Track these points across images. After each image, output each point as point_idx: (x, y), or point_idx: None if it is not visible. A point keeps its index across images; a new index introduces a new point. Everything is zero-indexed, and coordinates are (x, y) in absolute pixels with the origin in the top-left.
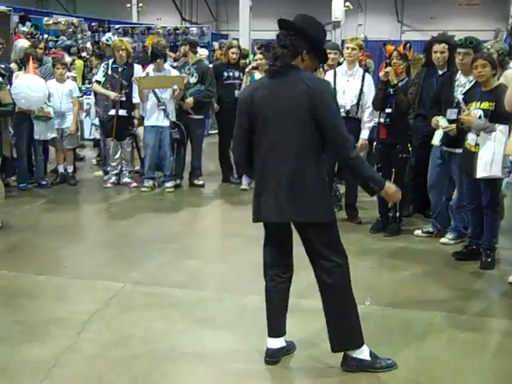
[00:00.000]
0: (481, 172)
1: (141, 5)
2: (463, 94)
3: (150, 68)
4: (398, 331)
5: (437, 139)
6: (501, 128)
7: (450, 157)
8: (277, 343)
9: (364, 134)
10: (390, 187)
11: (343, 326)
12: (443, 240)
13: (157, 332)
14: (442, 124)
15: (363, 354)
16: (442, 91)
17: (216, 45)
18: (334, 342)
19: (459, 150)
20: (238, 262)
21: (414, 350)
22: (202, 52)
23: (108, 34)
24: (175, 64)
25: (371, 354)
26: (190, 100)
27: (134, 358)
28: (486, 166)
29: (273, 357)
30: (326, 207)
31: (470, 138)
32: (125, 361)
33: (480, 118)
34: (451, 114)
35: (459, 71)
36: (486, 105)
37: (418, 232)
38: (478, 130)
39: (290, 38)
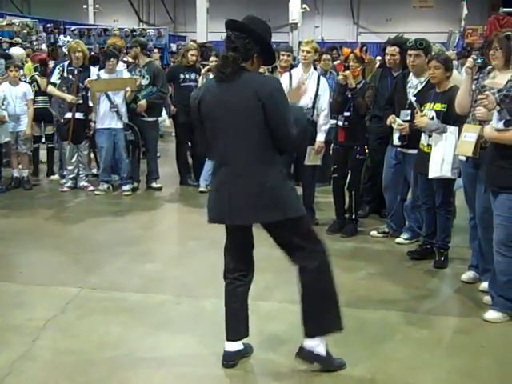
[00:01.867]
0: (432, 172)
1: (97, 6)
2: (415, 95)
3: (102, 70)
4: (353, 330)
5: (395, 139)
6: (451, 129)
7: (405, 157)
8: (234, 346)
9: (320, 137)
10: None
11: (322, 312)
12: (398, 240)
13: (114, 337)
14: (395, 124)
15: (320, 348)
16: (394, 93)
17: (174, 46)
18: (310, 327)
19: (413, 151)
20: (196, 266)
21: (370, 349)
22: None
23: (63, 38)
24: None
25: (327, 351)
26: (143, 102)
27: (90, 363)
28: (437, 166)
29: (230, 360)
30: (288, 204)
31: (423, 139)
32: (81, 367)
33: (432, 119)
34: (404, 115)
35: (411, 73)
36: (438, 106)
37: (373, 233)
38: (430, 131)
39: (243, 40)
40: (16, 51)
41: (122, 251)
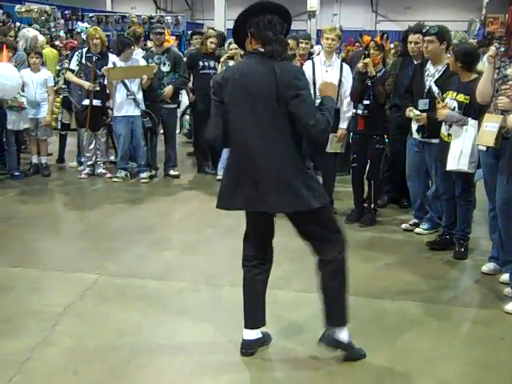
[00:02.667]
0: (450, 165)
1: None
2: (435, 84)
3: (118, 57)
4: (372, 321)
5: (414, 131)
6: (472, 122)
7: (425, 147)
8: (253, 335)
9: (343, 124)
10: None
11: (343, 302)
12: (418, 230)
13: (132, 324)
14: (412, 115)
15: (343, 334)
16: (413, 81)
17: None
18: (335, 316)
19: (435, 140)
20: (214, 253)
21: (388, 340)
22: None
23: (82, 25)
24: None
25: (349, 338)
26: (169, 88)
27: (109, 350)
28: (455, 159)
29: (248, 348)
30: (312, 194)
31: (443, 128)
32: (100, 353)
33: (454, 109)
34: (422, 104)
35: (429, 61)
36: (461, 97)
37: (405, 225)
38: (452, 123)
39: (282, 25)
40: (30, 33)
41: (140, 238)
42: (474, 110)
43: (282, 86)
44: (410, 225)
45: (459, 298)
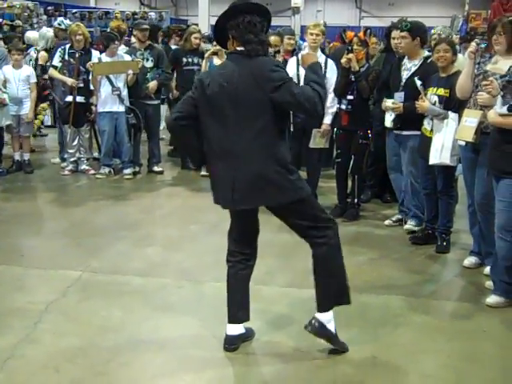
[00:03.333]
0: (432, 159)
1: None
2: (407, 78)
3: (103, 54)
4: (356, 315)
5: (388, 121)
6: (452, 116)
7: (399, 138)
8: (236, 330)
9: (327, 119)
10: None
11: (334, 286)
12: (407, 227)
13: (115, 320)
14: (388, 104)
15: (331, 324)
16: (390, 75)
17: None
18: (323, 301)
19: (407, 132)
20: (197, 250)
21: (372, 334)
22: None
23: (60, 18)
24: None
25: (335, 330)
26: (153, 83)
27: (92, 347)
28: (437, 152)
29: (232, 344)
30: (290, 186)
31: (426, 123)
32: (83, 350)
33: (435, 104)
34: (397, 97)
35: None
36: (441, 91)
37: (388, 222)
38: (433, 116)
39: (262, 24)
40: (50, 33)
41: (124, 235)
42: (454, 104)
43: (261, 81)
44: (394, 221)
45: (441, 291)
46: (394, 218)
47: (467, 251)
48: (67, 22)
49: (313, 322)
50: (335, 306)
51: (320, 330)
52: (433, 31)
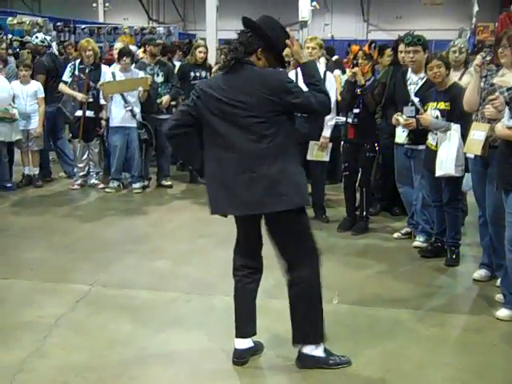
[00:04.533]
0: (438, 171)
1: (107, 4)
2: (416, 93)
3: (117, 68)
4: (364, 329)
5: (401, 136)
6: (454, 127)
7: (412, 153)
8: (244, 344)
9: (326, 133)
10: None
11: (309, 322)
12: (416, 244)
13: (125, 334)
14: (401, 120)
15: (317, 350)
16: (395, 90)
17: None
18: (297, 335)
19: (422, 147)
20: (206, 263)
21: (381, 347)
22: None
23: (41, 34)
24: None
25: (325, 350)
26: (166, 98)
27: (101, 361)
28: (442, 164)
29: (240, 357)
30: (291, 194)
31: (431, 138)
32: (92, 364)
33: (437, 118)
34: (408, 111)
35: (409, 69)
36: (442, 105)
37: (397, 235)
38: (435, 130)
39: (246, 34)
40: None
41: (133, 249)
42: (456, 115)
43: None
44: (402, 234)
45: (451, 304)
46: (402, 231)
47: (477, 264)
48: (48, 37)
49: (300, 356)
50: (320, 342)
51: (310, 363)
52: (451, 44)
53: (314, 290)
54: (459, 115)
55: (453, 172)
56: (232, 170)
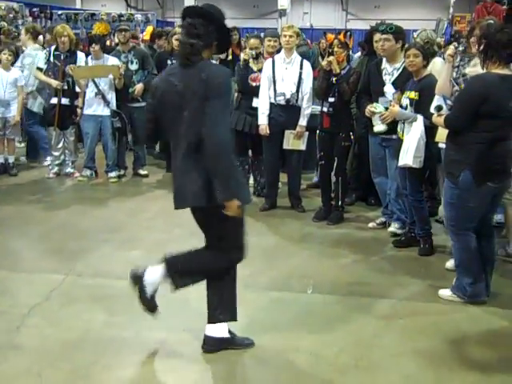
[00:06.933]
0: (399, 161)
1: None
2: (392, 83)
3: (89, 56)
4: (338, 318)
5: (380, 125)
6: (419, 118)
7: (387, 143)
8: (215, 331)
9: (301, 121)
10: (234, 203)
11: (216, 301)
12: (391, 229)
13: (99, 324)
14: (378, 111)
15: (221, 331)
16: (369, 80)
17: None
18: (212, 314)
19: (396, 136)
20: None
21: (354, 336)
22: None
23: None
24: None
25: (230, 331)
26: (140, 86)
27: (75, 350)
28: (403, 154)
29: (210, 344)
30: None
31: (399, 127)
32: (65, 354)
33: (406, 107)
34: (383, 102)
35: (383, 59)
36: (412, 94)
37: (372, 224)
38: (403, 120)
39: (206, 27)
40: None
41: (108, 238)
42: (423, 106)
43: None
44: (377, 224)
45: (423, 293)
46: (377, 221)
47: (450, 254)
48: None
49: (205, 340)
50: (227, 321)
51: (216, 344)
52: (414, 35)
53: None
54: (426, 106)
55: (410, 163)
56: (173, 164)
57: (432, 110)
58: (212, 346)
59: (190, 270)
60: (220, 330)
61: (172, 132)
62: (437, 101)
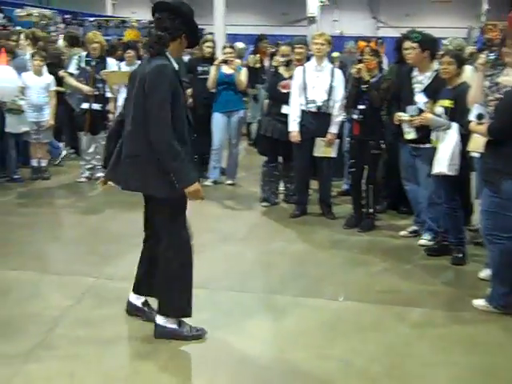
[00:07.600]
0: (434, 169)
1: None
2: (423, 91)
3: (123, 62)
4: (370, 326)
5: (410, 133)
6: (454, 126)
7: (418, 152)
8: (134, 298)
9: (333, 129)
10: (194, 186)
11: (166, 295)
12: (421, 242)
13: (130, 326)
14: (405, 118)
15: (170, 322)
16: (400, 89)
17: None
18: (161, 305)
19: (426, 145)
20: (211, 257)
21: (386, 345)
22: None
23: None
24: None
25: (180, 322)
26: None
27: (106, 353)
28: (437, 162)
29: (130, 308)
30: (153, 181)
31: (434, 135)
32: (97, 356)
33: (440, 115)
34: (411, 110)
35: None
36: (446, 102)
37: (404, 233)
38: (437, 128)
39: (173, 21)
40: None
41: (138, 242)
42: (458, 114)
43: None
44: (409, 232)
45: (456, 303)
46: (409, 230)
47: (484, 263)
48: None
49: (156, 328)
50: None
51: (165, 334)
52: (443, 42)
53: (168, 270)
54: (461, 114)
55: (445, 170)
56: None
57: (472, 117)
58: (159, 334)
59: (171, 288)
60: (170, 320)
61: (126, 117)
62: (477, 109)
